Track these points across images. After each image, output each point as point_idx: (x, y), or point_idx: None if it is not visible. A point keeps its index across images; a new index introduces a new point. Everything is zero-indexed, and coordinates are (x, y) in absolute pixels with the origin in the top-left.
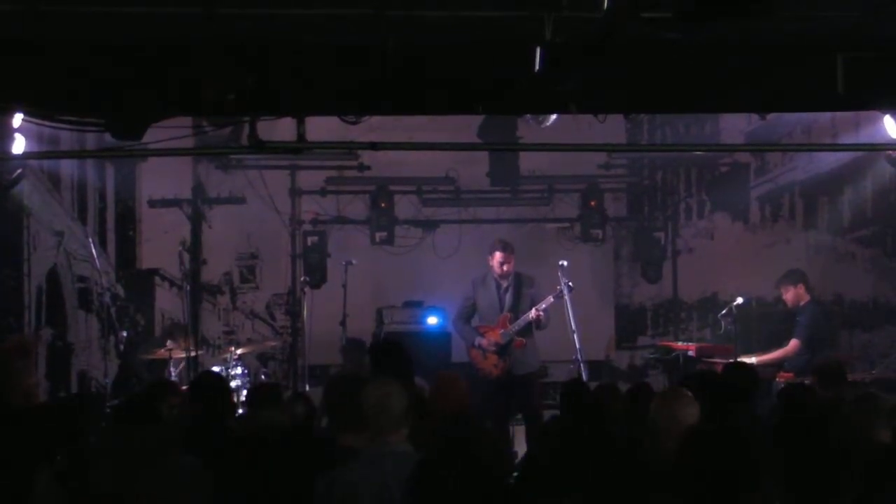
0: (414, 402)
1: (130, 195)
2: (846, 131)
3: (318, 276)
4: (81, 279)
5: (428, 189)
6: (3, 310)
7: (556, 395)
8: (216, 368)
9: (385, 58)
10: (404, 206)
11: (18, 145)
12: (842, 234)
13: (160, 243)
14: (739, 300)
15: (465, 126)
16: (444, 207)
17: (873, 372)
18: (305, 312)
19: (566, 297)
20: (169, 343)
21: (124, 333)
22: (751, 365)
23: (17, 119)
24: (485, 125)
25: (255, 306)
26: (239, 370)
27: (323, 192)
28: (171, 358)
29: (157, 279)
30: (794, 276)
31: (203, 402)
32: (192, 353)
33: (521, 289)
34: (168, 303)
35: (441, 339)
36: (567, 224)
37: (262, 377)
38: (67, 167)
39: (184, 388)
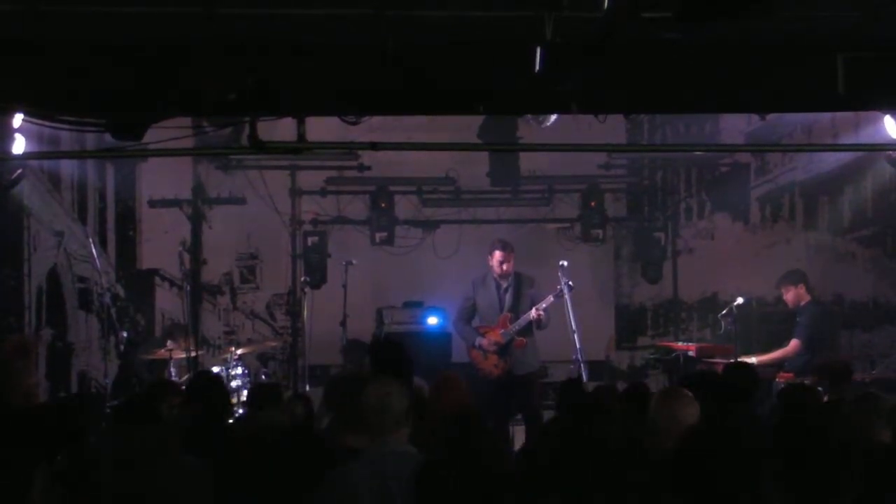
0: (414, 402)
1: (130, 195)
2: (846, 131)
3: (318, 277)
4: (81, 279)
5: (428, 189)
6: (4, 310)
7: (556, 396)
8: (216, 369)
9: (385, 58)
10: (404, 207)
11: (18, 145)
12: (842, 235)
13: (160, 243)
14: (739, 300)
15: (465, 126)
16: (444, 208)
17: (873, 372)
18: (305, 313)
19: (566, 297)
20: (169, 343)
21: (124, 334)
22: (751, 365)
23: (17, 119)
24: (485, 125)
25: (256, 306)
26: (239, 370)
27: (323, 193)
28: (171, 358)
29: (158, 279)
30: (794, 277)
31: (200, 402)
32: (193, 354)
33: (521, 289)
34: (168, 303)
35: (441, 339)
36: (567, 224)
37: (263, 377)
38: (67, 167)
39: (184, 388)
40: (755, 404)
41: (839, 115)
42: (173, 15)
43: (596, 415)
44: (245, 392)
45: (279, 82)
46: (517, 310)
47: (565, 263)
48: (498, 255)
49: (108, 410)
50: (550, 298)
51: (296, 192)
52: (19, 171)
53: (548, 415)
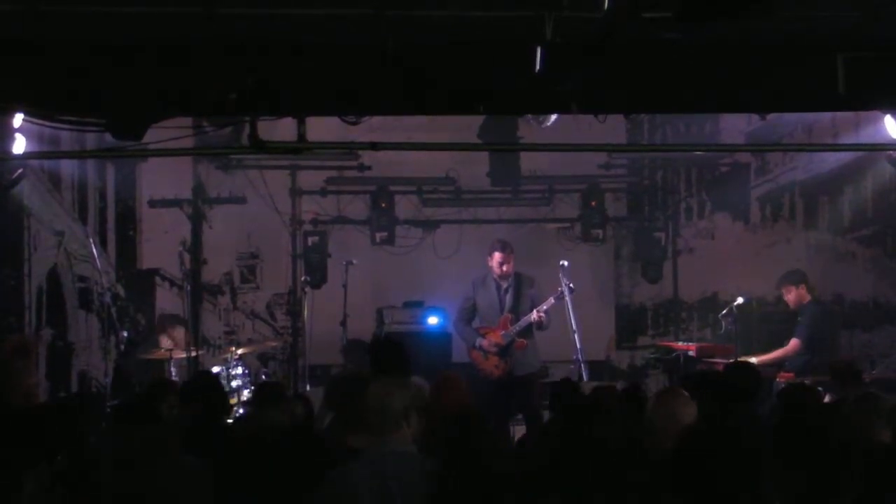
0: (415, 402)
1: (131, 195)
2: (846, 131)
3: (318, 277)
4: (82, 279)
5: (428, 189)
6: (4, 310)
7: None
8: (217, 368)
9: (385, 58)
10: (405, 207)
11: (19, 145)
12: (842, 234)
13: (160, 243)
14: (740, 300)
15: (465, 126)
16: (444, 207)
17: (873, 372)
18: (306, 312)
19: (567, 298)
20: (164, 340)
21: (125, 333)
22: (752, 365)
23: (18, 119)
24: (485, 125)
25: (256, 306)
26: (239, 370)
27: (323, 193)
28: (171, 358)
29: (158, 279)
30: (794, 277)
31: (197, 402)
32: (193, 353)
33: (521, 289)
34: (168, 303)
35: (441, 339)
36: (567, 224)
37: (263, 377)
38: (68, 167)
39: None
40: (756, 404)
41: (839, 114)
42: (173, 15)
43: (595, 415)
44: (245, 392)
45: (279, 82)
46: (517, 310)
47: (566, 263)
48: (498, 256)
49: (108, 410)
50: (551, 300)
51: (296, 192)
52: (19, 170)
53: (548, 415)
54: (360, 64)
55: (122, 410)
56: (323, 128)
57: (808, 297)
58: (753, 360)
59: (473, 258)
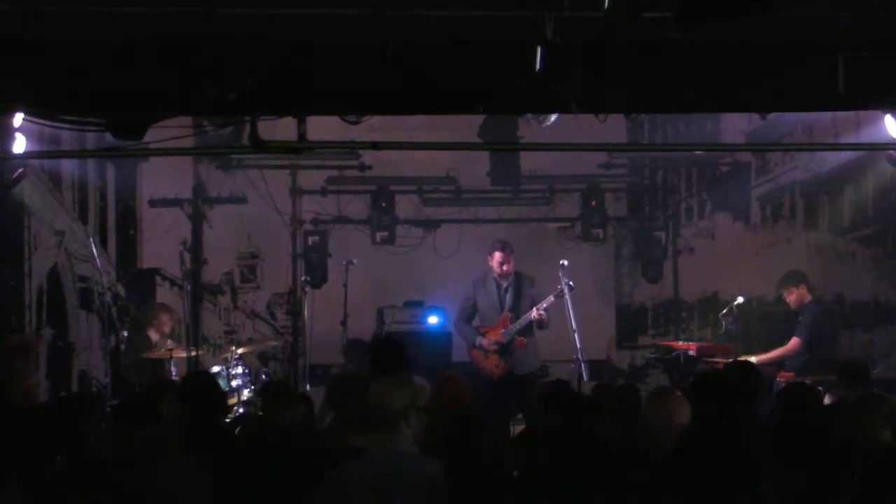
0: (415, 402)
1: (131, 195)
2: (847, 131)
3: (318, 276)
4: (82, 279)
5: (429, 189)
6: (4, 309)
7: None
8: (217, 368)
9: (385, 58)
10: (405, 206)
11: (19, 145)
12: (842, 234)
13: (161, 243)
14: (740, 300)
15: (466, 126)
16: (444, 207)
17: (874, 372)
18: (306, 312)
19: (567, 297)
20: (152, 333)
21: (125, 333)
22: (752, 364)
23: (18, 119)
24: (485, 125)
25: (256, 306)
26: (240, 370)
27: (324, 192)
28: (171, 358)
29: (158, 279)
30: (794, 278)
31: (191, 402)
32: (193, 353)
33: (521, 288)
34: (169, 302)
35: (442, 338)
36: (568, 224)
37: (263, 377)
38: (68, 167)
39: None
40: (756, 404)
41: (840, 114)
42: (173, 15)
43: (595, 415)
44: (246, 392)
45: (279, 82)
46: (517, 310)
47: (566, 263)
48: (498, 255)
49: (108, 410)
50: (551, 298)
51: (296, 192)
52: (20, 170)
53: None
54: (360, 64)
55: (122, 410)
56: (323, 127)
57: (808, 297)
58: (753, 359)
59: (473, 258)
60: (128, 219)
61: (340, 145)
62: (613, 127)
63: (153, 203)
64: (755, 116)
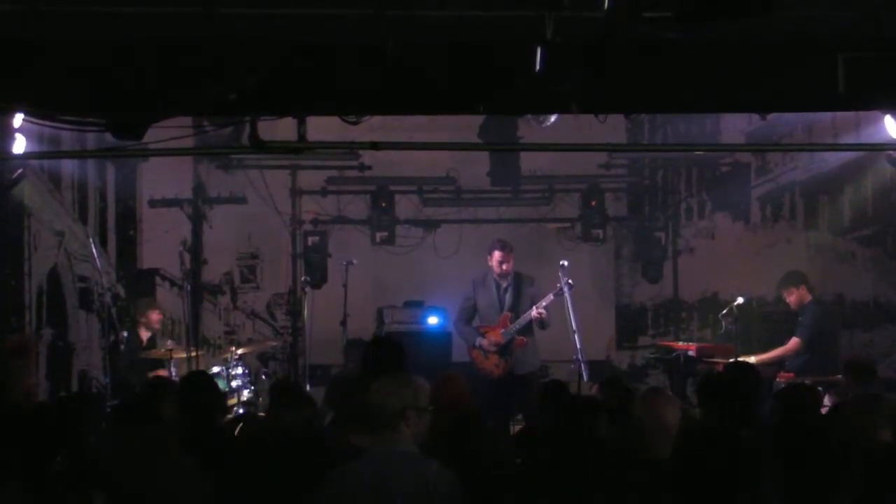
0: (416, 402)
1: (131, 195)
2: (847, 131)
3: (318, 276)
4: (82, 279)
5: (428, 189)
6: (4, 310)
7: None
8: (217, 368)
9: (385, 58)
10: (405, 206)
11: (19, 145)
12: (842, 234)
13: (161, 243)
14: (740, 300)
15: (466, 126)
16: (444, 207)
17: None
18: (306, 312)
19: (566, 296)
20: (143, 331)
21: (125, 334)
22: (752, 365)
23: (18, 119)
24: (485, 125)
25: (256, 306)
26: (239, 370)
27: (323, 192)
28: (171, 358)
29: (158, 279)
30: (794, 278)
31: (191, 403)
32: (193, 353)
33: (521, 288)
34: (169, 303)
35: (442, 338)
36: (568, 224)
37: (263, 377)
38: (68, 167)
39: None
40: (756, 404)
41: (839, 114)
42: (173, 15)
43: (594, 414)
44: (246, 392)
45: (279, 82)
46: (517, 309)
47: (566, 263)
48: (497, 255)
49: (108, 410)
50: (550, 297)
51: (296, 192)
52: (20, 170)
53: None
54: (360, 64)
55: (122, 410)
56: (323, 128)
57: (809, 298)
58: (753, 359)
59: (473, 258)
60: (128, 219)
61: (340, 145)
62: (613, 127)
63: (153, 203)
64: (755, 117)
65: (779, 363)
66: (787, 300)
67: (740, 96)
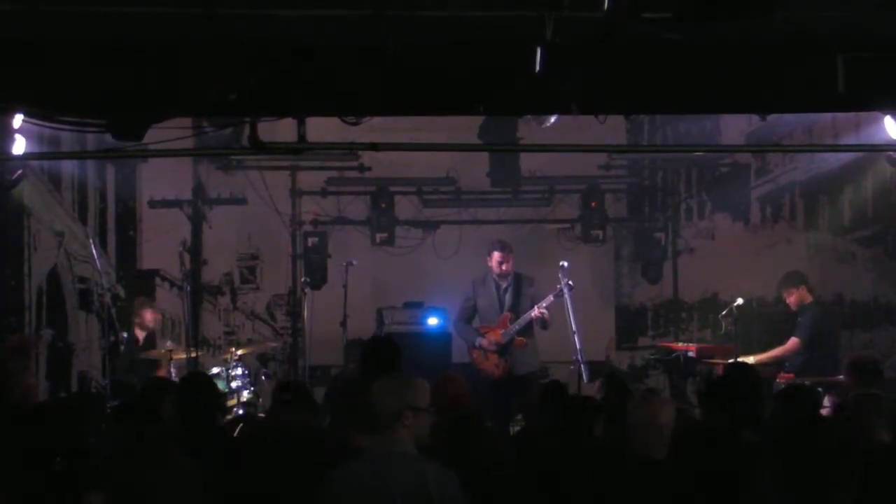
0: (416, 402)
1: (131, 195)
2: (847, 132)
3: (318, 277)
4: (82, 279)
5: (428, 190)
6: (4, 310)
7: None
8: (216, 369)
9: (385, 58)
10: (405, 207)
11: (19, 146)
12: (842, 235)
13: (161, 244)
14: (740, 300)
15: (466, 126)
16: (444, 208)
17: None
18: (306, 313)
19: (566, 297)
20: (138, 331)
21: (125, 334)
22: (752, 365)
23: (18, 119)
24: (485, 125)
25: (256, 307)
26: (239, 371)
27: (323, 193)
28: (171, 358)
29: (158, 280)
30: (794, 279)
31: (190, 403)
32: (193, 353)
33: (520, 289)
34: (168, 303)
35: (441, 339)
36: (567, 225)
37: (263, 377)
38: (68, 167)
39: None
40: (756, 404)
41: (839, 115)
42: (173, 15)
43: (593, 414)
44: (245, 393)
45: (279, 82)
46: (517, 310)
47: (566, 264)
48: (497, 255)
49: (108, 410)
50: (550, 298)
51: (296, 193)
52: (20, 171)
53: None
54: (360, 64)
55: (122, 410)
56: (323, 128)
57: (809, 298)
58: (752, 359)
59: (473, 258)
60: (127, 220)
61: (340, 146)
62: (613, 127)
63: (153, 204)
64: (755, 117)
65: (779, 363)
66: (787, 300)
67: (740, 96)
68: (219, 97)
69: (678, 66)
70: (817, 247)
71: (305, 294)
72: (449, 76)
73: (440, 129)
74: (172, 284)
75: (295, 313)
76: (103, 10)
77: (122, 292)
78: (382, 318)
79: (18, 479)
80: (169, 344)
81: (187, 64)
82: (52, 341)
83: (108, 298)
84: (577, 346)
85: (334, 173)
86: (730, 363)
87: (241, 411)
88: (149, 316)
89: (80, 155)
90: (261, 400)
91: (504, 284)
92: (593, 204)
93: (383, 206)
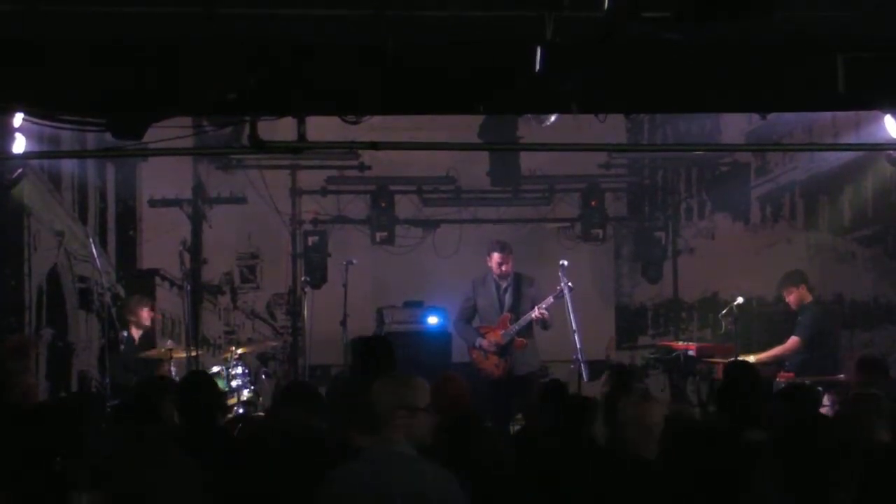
0: (416, 402)
1: (131, 195)
2: (847, 131)
3: (318, 276)
4: (82, 279)
5: (428, 189)
6: (4, 310)
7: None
8: (216, 368)
9: (385, 58)
10: (405, 206)
11: (19, 145)
12: (842, 234)
13: (161, 243)
14: (740, 300)
15: (466, 126)
16: (444, 207)
17: None
18: (306, 312)
19: (566, 297)
20: (133, 329)
21: (125, 334)
22: (752, 364)
23: (18, 119)
24: (485, 125)
25: (256, 306)
26: (239, 370)
27: (323, 192)
28: (171, 358)
29: (158, 279)
30: (794, 278)
31: (190, 403)
32: (193, 353)
33: (520, 289)
34: (168, 303)
35: (441, 339)
36: (568, 224)
37: (263, 377)
38: (68, 167)
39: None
40: (756, 404)
41: (839, 114)
42: (173, 15)
43: (592, 414)
44: (245, 392)
45: (279, 82)
46: (517, 310)
47: (566, 263)
48: (496, 256)
49: (108, 410)
50: (550, 299)
51: (296, 192)
52: (20, 170)
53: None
54: (360, 63)
55: (121, 410)
56: (323, 127)
57: (809, 298)
58: (752, 358)
59: (473, 258)
60: (127, 219)
61: (340, 145)
62: (613, 127)
63: (153, 203)
64: (755, 116)
65: (778, 363)
66: (787, 300)
67: (740, 96)
68: (219, 97)
69: (678, 66)
70: (817, 246)
71: (305, 293)
72: (449, 76)
73: (440, 129)
74: (172, 284)
75: (295, 312)
76: (103, 10)
77: (122, 292)
78: (382, 318)
79: (18, 479)
80: (169, 343)
81: (187, 63)
82: (52, 341)
83: (108, 298)
84: (578, 346)
85: (334, 172)
86: (730, 362)
87: (241, 410)
88: (146, 314)
89: (80, 154)
90: (261, 399)
91: (504, 285)
92: (593, 203)
93: (383, 205)
